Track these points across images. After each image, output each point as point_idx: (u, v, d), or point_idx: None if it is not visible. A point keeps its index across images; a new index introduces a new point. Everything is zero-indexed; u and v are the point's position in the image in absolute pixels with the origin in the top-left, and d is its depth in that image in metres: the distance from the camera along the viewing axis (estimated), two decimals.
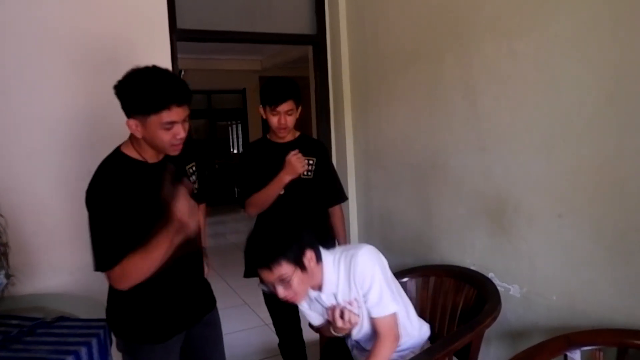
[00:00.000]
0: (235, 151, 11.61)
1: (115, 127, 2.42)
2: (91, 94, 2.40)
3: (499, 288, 1.89)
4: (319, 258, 1.56)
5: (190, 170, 1.66)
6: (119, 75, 2.56)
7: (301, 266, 1.47)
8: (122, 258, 1.39)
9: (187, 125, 1.47)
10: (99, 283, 2.40)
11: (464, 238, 2.16)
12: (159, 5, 2.53)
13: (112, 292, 1.58)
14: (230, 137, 11.54)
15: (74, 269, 2.38)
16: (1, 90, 2.25)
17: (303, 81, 3.28)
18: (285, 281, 1.45)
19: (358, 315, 1.58)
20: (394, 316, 1.57)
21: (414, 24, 2.38)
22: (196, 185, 1.66)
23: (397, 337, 1.57)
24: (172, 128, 1.41)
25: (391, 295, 1.57)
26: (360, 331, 1.67)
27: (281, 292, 1.47)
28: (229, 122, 10.60)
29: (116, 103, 2.53)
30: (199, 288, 1.72)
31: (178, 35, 2.60)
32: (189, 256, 1.66)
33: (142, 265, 1.39)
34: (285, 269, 1.44)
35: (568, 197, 1.68)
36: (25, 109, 2.30)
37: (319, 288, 1.60)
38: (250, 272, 2.27)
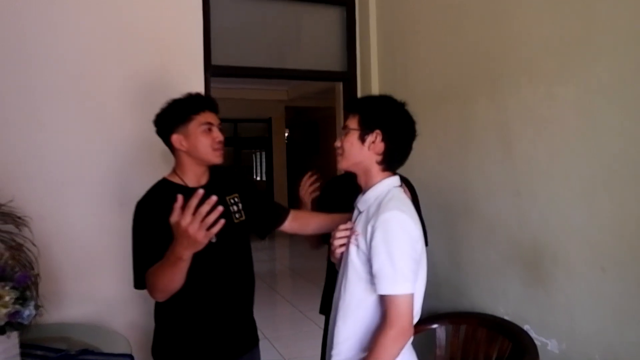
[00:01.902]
0: (259, 178, 11.70)
1: (146, 160, 2.47)
2: (126, 127, 2.45)
3: (535, 342, 1.81)
4: (386, 164, 1.41)
5: (232, 201, 1.69)
6: (153, 108, 2.62)
7: (362, 134, 1.40)
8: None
9: (222, 134, 1.63)
10: (123, 315, 2.42)
11: (497, 285, 2.09)
12: (196, 43, 2.59)
13: (156, 318, 1.68)
14: (254, 164, 11.67)
15: (99, 299, 2.39)
16: (37, 122, 2.31)
17: (328, 111, 3.27)
18: (345, 131, 1.44)
19: (342, 245, 1.44)
20: (405, 299, 1.27)
21: (445, 65, 2.38)
22: (238, 215, 1.69)
23: (404, 330, 1.27)
24: (211, 131, 1.59)
25: (406, 274, 1.28)
26: (338, 293, 1.44)
27: (337, 141, 1.47)
28: (253, 150, 10.73)
29: (148, 136, 2.58)
30: (241, 324, 1.73)
31: (212, 71, 2.65)
32: (238, 290, 1.71)
33: (159, 279, 1.42)
34: (352, 122, 1.43)
35: (612, 250, 1.61)
36: (60, 139, 2.35)
37: (363, 191, 1.45)
38: (324, 309, 2.19)
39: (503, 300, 2.05)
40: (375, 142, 1.38)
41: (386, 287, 1.28)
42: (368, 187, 1.42)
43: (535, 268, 1.90)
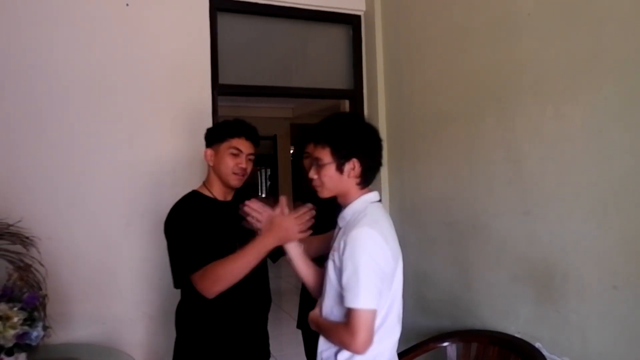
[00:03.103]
0: (264, 195, 11.68)
1: (153, 181, 2.48)
2: (133, 146, 2.46)
3: None
4: (364, 182, 1.46)
5: None
6: (161, 127, 2.64)
7: (339, 165, 1.42)
8: (207, 262, 1.55)
9: (250, 164, 1.76)
10: (131, 335, 2.41)
11: (507, 304, 2.06)
12: (204, 62, 2.62)
13: (178, 329, 1.75)
14: (259, 181, 11.69)
15: (107, 319, 2.39)
16: (46, 142, 2.33)
17: None
18: (318, 165, 1.45)
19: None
20: (366, 314, 1.30)
21: (452, 85, 2.39)
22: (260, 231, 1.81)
23: (358, 342, 1.29)
24: (238, 156, 1.71)
25: (369, 289, 1.31)
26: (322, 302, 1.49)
27: (312, 173, 1.48)
28: (258, 167, 10.75)
29: (155, 156, 2.61)
30: (259, 336, 1.82)
31: (220, 90, 2.67)
32: (257, 302, 1.80)
33: (234, 267, 1.54)
34: (324, 154, 1.43)
35: (623, 269, 1.59)
36: (68, 160, 2.37)
37: (343, 208, 1.49)
38: (301, 323, 2.24)
39: (514, 319, 2.02)
40: (355, 169, 1.43)
41: (350, 300, 1.31)
42: (347, 204, 1.47)
43: (546, 287, 1.88)
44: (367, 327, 1.30)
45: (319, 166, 1.44)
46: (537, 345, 1.89)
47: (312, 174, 1.47)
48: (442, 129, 2.46)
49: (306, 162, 2.14)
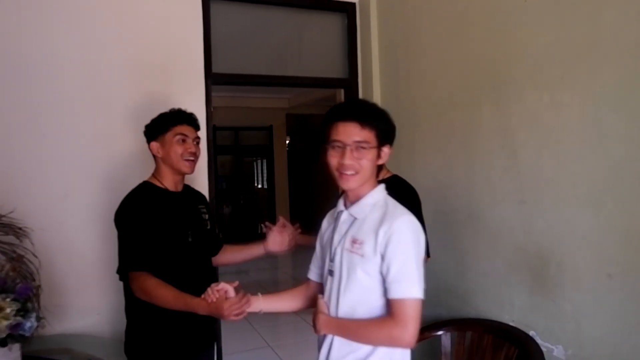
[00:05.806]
0: (260, 186, 11.67)
1: (147, 171, 2.45)
2: (128, 138, 2.44)
3: (541, 348, 1.79)
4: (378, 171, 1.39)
5: (203, 210, 1.94)
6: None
7: (378, 150, 1.33)
8: (149, 264, 1.63)
9: (198, 149, 1.83)
10: (125, 325, 2.40)
11: (502, 293, 2.07)
12: (197, 51, 2.60)
13: (128, 313, 1.79)
14: (255, 172, 11.65)
15: (101, 310, 2.38)
16: (39, 133, 2.31)
17: None
18: (361, 149, 1.30)
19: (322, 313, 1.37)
20: (419, 303, 1.23)
21: (448, 73, 2.37)
22: (207, 223, 1.93)
23: (409, 335, 1.22)
24: (185, 141, 1.77)
25: (421, 279, 1.25)
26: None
27: (349, 157, 1.30)
28: (254, 158, 10.71)
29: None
30: (209, 319, 1.76)
31: (213, 79, 2.65)
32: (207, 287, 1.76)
33: (166, 299, 1.60)
34: (371, 137, 1.31)
35: (618, 257, 1.59)
36: (61, 151, 2.35)
37: (352, 202, 1.37)
38: None
39: (509, 307, 2.03)
40: (386, 156, 1.37)
41: (404, 291, 1.23)
42: (362, 195, 1.36)
43: (541, 275, 1.88)
44: (418, 317, 1.23)
45: (362, 151, 1.30)
46: (531, 333, 1.90)
47: (350, 159, 1.30)
48: (438, 118, 2.44)
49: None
